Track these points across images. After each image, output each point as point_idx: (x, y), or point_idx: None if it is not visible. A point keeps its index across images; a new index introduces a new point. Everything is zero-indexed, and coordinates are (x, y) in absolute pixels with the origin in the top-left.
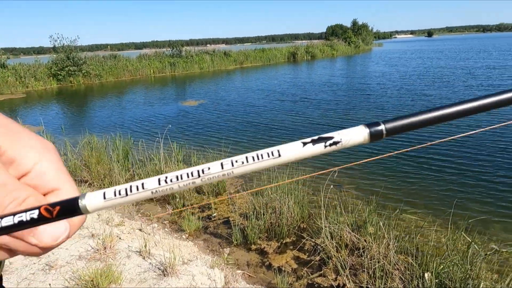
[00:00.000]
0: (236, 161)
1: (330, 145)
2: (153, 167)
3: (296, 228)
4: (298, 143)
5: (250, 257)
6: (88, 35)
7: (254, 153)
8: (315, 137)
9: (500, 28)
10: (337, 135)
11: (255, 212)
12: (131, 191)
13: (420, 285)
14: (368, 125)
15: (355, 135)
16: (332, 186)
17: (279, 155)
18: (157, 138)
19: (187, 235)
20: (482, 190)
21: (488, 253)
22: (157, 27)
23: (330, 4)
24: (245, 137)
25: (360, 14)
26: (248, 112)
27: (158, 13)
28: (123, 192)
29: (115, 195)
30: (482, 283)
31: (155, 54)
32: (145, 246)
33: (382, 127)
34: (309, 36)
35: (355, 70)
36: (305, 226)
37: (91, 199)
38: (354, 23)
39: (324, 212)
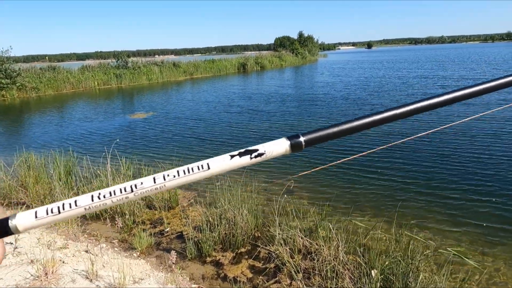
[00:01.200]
0: (168, 175)
1: (256, 156)
2: (100, 184)
3: (251, 237)
4: (226, 156)
5: (205, 270)
6: (23, 44)
7: (185, 167)
8: (242, 150)
9: (429, 40)
10: (261, 147)
11: (208, 224)
12: (63, 208)
13: (368, 281)
14: (289, 138)
15: (277, 146)
16: (285, 196)
17: (208, 168)
18: (103, 153)
19: (138, 253)
20: (421, 192)
21: (428, 251)
22: (101, 37)
23: (278, 15)
24: (195, 150)
25: (306, 26)
26: (198, 125)
27: (102, 22)
28: (55, 210)
29: (47, 214)
30: (421, 275)
31: (99, 65)
32: (92, 267)
33: (301, 139)
34: (258, 47)
35: (302, 81)
36: (259, 235)
37: (22, 219)
38: (300, 35)
39: (278, 219)
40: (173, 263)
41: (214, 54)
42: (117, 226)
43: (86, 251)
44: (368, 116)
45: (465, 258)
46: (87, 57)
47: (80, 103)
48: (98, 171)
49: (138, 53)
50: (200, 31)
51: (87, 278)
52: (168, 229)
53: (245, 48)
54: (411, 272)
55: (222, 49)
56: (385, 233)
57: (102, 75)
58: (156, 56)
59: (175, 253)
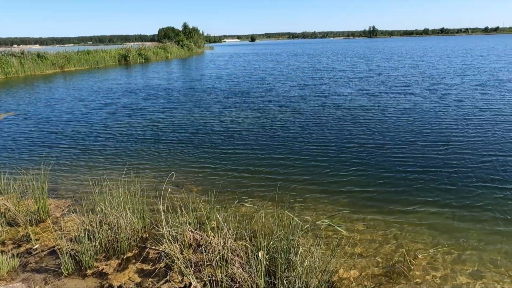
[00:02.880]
0: None
1: None
2: None
3: (138, 239)
4: None
5: (86, 284)
6: None
7: None
8: None
9: (304, 35)
10: None
11: (87, 233)
12: None
13: (256, 263)
14: None
15: None
16: (169, 190)
17: None
18: None
19: None
20: (298, 170)
21: (306, 226)
22: None
23: (161, 4)
24: (68, 153)
25: (191, 18)
26: (67, 127)
27: None
28: None
29: None
30: (300, 249)
31: None
32: None
33: None
34: (141, 38)
35: (189, 74)
36: (147, 236)
37: None
38: (185, 26)
39: (165, 216)
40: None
41: (90, 45)
42: None
43: None
44: None
45: (337, 227)
46: None
47: None
48: None
49: None
50: (71, 18)
51: None
52: (37, 245)
53: (126, 38)
54: (292, 248)
55: (100, 39)
56: (269, 215)
57: None
58: (15, 46)
59: (49, 272)
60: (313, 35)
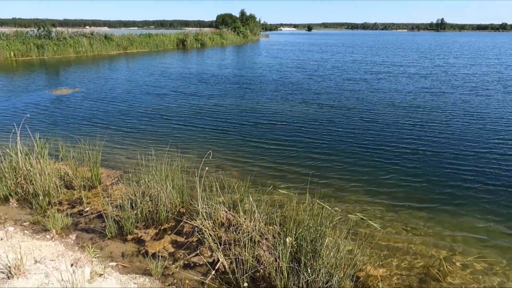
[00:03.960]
0: None
1: None
2: (9, 164)
3: (175, 213)
4: None
5: (125, 247)
6: None
7: None
8: None
9: (364, 26)
10: None
11: (131, 202)
12: None
13: (282, 248)
14: None
15: None
16: (207, 169)
17: None
18: (13, 130)
19: (52, 235)
20: (338, 165)
21: (337, 218)
22: (19, 2)
23: None
24: (122, 130)
25: (249, 6)
26: (127, 104)
27: None
28: None
29: None
30: (327, 239)
31: (15, 34)
32: None
33: None
34: (200, 24)
35: (242, 61)
36: (184, 210)
37: None
38: (242, 13)
39: (202, 194)
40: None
41: (152, 29)
42: (28, 207)
43: None
44: None
45: (370, 221)
46: (2, 23)
47: None
48: (8, 150)
49: (65, 23)
50: (137, 3)
51: None
52: (87, 208)
53: (186, 23)
54: (319, 238)
55: (161, 24)
56: (301, 203)
57: (20, 45)
58: (87, 27)
59: (95, 233)
60: (374, 26)
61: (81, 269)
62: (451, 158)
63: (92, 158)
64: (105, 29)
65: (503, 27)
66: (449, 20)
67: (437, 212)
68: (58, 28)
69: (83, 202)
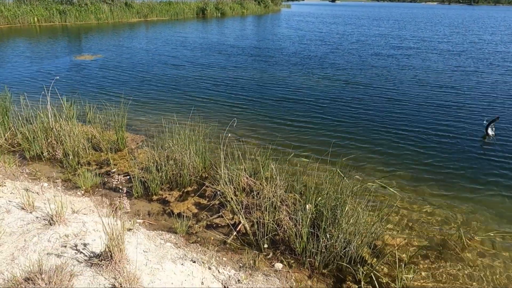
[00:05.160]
0: None
1: None
2: (41, 125)
3: (198, 177)
4: None
5: (151, 207)
6: None
7: None
8: None
9: None
10: None
11: (155, 165)
12: None
13: (302, 214)
14: None
15: None
16: (230, 135)
17: None
18: (43, 92)
19: (83, 192)
20: (359, 137)
21: (357, 186)
22: None
23: None
24: (143, 94)
25: None
26: (148, 70)
27: None
28: None
29: None
30: (347, 207)
31: None
32: (29, 200)
33: None
34: None
35: (261, 32)
36: (206, 175)
37: None
38: None
39: (224, 160)
40: (119, 199)
41: None
42: (59, 166)
43: (26, 190)
44: None
45: (390, 188)
46: None
47: (17, 40)
48: (38, 112)
49: None
50: None
51: (23, 209)
52: (114, 169)
53: None
54: (339, 205)
55: None
56: (321, 171)
57: (43, 10)
58: None
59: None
60: None
61: (114, 222)
62: (476, 142)
63: (117, 122)
64: None
65: None
66: None
67: (458, 187)
68: None
69: (110, 163)
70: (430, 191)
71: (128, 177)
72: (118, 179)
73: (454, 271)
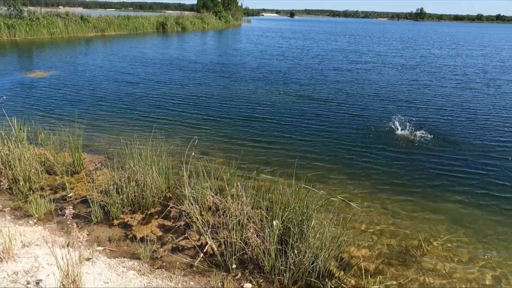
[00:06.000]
0: None
1: None
2: None
3: (162, 197)
4: None
5: (112, 232)
6: None
7: None
8: None
9: (346, 14)
10: None
11: (116, 187)
12: None
13: (269, 231)
14: None
15: None
16: (193, 154)
17: None
18: None
19: (35, 220)
20: (319, 150)
21: (321, 201)
22: None
23: None
24: (101, 114)
25: None
26: (104, 88)
27: None
28: None
29: None
30: (313, 221)
31: None
32: None
33: None
34: (180, 7)
35: (222, 47)
36: (170, 195)
37: None
38: None
39: (188, 179)
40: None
41: (131, 11)
42: (8, 193)
43: None
44: None
45: (350, 202)
46: None
47: None
48: None
49: (37, 2)
50: None
51: None
52: (71, 194)
53: (166, 6)
54: (305, 220)
55: (140, 6)
56: (286, 187)
57: None
58: (60, 7)
59: (80, 218)
60: (355, 14)
61: (70, 254)
62: (435, 147)
63: (73, 142)
64: (80, 10)
65: (478, 17)
66: (428, 10)
67: (416, 196)
68: (30, 7)
69: (66, 187)
70: (391, 201)
71: (86, 201)
72: (75, 204)
73: (416, 276)
